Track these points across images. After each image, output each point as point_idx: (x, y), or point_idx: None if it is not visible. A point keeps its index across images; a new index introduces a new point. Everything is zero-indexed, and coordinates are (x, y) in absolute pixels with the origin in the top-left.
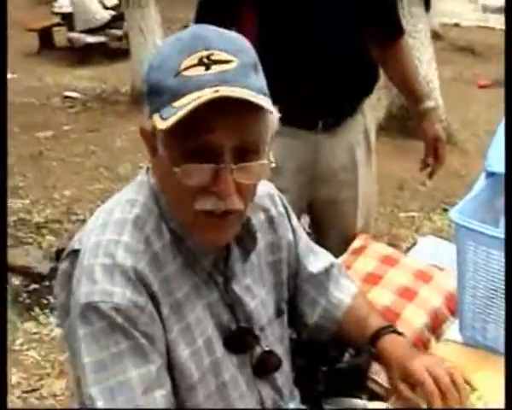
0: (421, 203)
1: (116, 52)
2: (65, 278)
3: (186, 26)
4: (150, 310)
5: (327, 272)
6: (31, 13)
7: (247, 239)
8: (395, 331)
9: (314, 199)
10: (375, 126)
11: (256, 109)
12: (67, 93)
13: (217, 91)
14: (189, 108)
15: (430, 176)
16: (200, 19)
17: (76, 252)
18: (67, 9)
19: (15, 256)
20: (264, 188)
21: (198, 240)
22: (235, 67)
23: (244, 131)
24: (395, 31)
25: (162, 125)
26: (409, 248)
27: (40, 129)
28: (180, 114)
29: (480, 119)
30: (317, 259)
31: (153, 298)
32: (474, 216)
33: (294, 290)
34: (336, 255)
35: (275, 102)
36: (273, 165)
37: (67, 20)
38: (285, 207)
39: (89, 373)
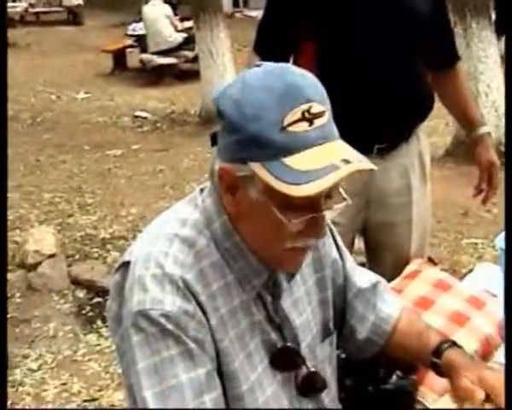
0: (485, 230)
1: (187, 74)
2: (117, 288)
3: None
4: (199, 317)
5: (374, 288)
6: (106, 36)
7: None
8: (457, 345)
9: (368, 222)
10: (429, 151)
11: None
12: (138, 113)
13: (346, 162)
14: (330, 181)
15: (484, 202)
16: (260, 47)
17: (127, 264)
18: (140, 32)
19: (81, 270)
20: None
21: (279, 269)
22: (328, 118)
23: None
24: (451, 57)
25: (292, 190)
26: (465, 275)
27: (110, 147)
28: (322, 186)
29: None
30: (362, 276)
31: (201, 307)
32: None
33: (343, 307)
34: (390, 279)
35: None
36: None
37: (140, 42)
38: (328, 226)
39: (142, 377)
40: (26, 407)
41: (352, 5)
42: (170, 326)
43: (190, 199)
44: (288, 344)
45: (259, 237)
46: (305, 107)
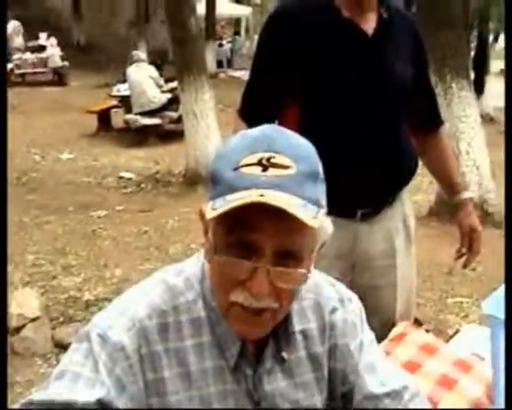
0: (469, 289)
1: (171, 134)
2: None
3: None
4: (134, 363)
5: (396, 395)
6: (90, 96)
7: (283, 338)
8: None
9: (353, 284)
10: (413, 213)
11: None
12: (122, 173)
13: (262, 196)
14: (232, 205)
15: (465, 266)
16: (245, 112)
17: None
18: (125, 93)
19: (65, 333)
20: (337, 291)
21: (231, 328)
22: (292, 174)
23: (287, 238)
24: (434, 121)
25: (210, 213)
26: (451, 336)
27: (94, 208)
28: (224, 209)
29: None
30: (384, 379)
31: (149, 356)
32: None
33: (351, 405)
34: (376, 341)
35: None
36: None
37: (124, 102)
38: (361, 318)
39: (51, 378)
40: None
41: (335, 70)
42: (97, 349)
43: (197, 255)
44: None
45: (213, 287)
46: (265, 155)
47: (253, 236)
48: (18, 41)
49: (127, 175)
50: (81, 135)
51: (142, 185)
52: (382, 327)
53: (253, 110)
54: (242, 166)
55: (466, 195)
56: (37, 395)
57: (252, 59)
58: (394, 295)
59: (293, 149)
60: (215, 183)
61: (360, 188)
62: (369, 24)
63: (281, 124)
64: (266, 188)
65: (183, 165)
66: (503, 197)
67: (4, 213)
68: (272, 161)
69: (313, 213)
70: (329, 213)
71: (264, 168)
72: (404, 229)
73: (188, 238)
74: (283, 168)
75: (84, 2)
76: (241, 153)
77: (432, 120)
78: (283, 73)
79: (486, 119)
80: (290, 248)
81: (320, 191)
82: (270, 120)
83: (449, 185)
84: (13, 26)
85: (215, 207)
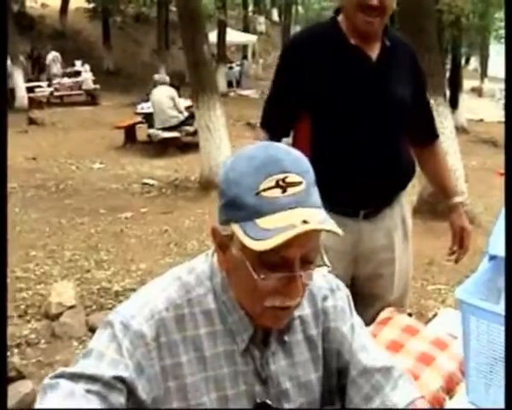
0: (447, 277)
1: (188, 145)
2: None
3: (249, 123)
4: (153, 349)
5: (386, 371)
6: (118, 114)
7: (286, 324)
8: None
9: (357, 275)
10: (411, 213)
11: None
12: (145, 180)
13: (305, 222)
14: (286, 237)
15: (456, 261)
16: (265, 123)
17: None
18: (148, 110)
19: (97, 320)
20: (328, 281)
21: (261, 325)
22: (304, 188)
23: (310, 245)
24: (430, 135)
25: (255, 245)
26: (430, 319)
27: (122, 211)
28: (278, 241)
29: (501, 203)
30: (375, 357)
31: (167, 344)
32: (477, 294)
33: (348, 383)
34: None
35: (324, 195)
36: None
37: (148, 119)
38: (348, 304)
39: (80, 356)
40: (27, 407)
41: (342, 90)
42: (120, 335)
43: (204, 255)
44: (268, 401)
45: (242, 294)
46: (280, 176)
47: (287, 251)
48: (56, 68)
49: (150, 182)
50: (110, 147)
51: (163, 190)
52: (380, 312)
53: (272, 122)
54: (263, 191)
55: (458, 199)
56: (68, 369)
57: (258, 80)
58: (392, 284)
59: (297, 165)
60: (234, 207)
61: (363, 191)
62: (374, 51)
63: (295, 134)
64: (291, 208)
65: (198, 172)
66: (474, 197)
67: (4, 214)
68: (287, 180)
69: (329, 219)
70: (335, 212)
71: (283, 189)
72: (403, 227)
73: (202, 236)
74: (297, 185)
75: (113, 34)
76: (256, 177)
77: (428, 135)
78: (297, 92)
79: (460, 130)
80: (310, 252)
81: (318, 193)
82: (286, 131)
83: (443, 190)
84: (52, 55)
85: (254, 237)
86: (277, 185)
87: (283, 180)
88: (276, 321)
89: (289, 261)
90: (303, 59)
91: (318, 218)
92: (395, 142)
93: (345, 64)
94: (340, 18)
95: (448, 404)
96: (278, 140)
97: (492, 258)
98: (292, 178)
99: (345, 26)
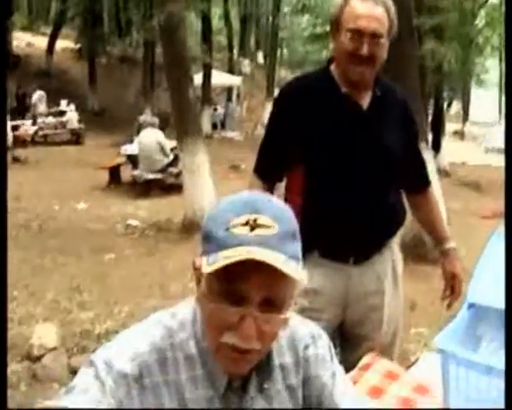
0: (429, 321)
1: (172, 187)
2: None
3: (233, 166)
4: (133, 388)
5: None
6: (103, 154)
7: (265, 371)
8: None
9: (346, 319)
10: (401, 260)
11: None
12: (129, 221)
13: (249, 252)
14: (225, 262)
15: (448, 306)
16: (259, 169)
17: None
18: (132, 152)
19: (79, 362)
20: (309, 329)
21: (220, 365)
22: (275, 233)
23: (271, 288)
24: (422, 183)
25: (206, 268)
26: (412, 364)
27: (105, 252)
28: (218, 265)
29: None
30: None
31: (153, 385)
32: (456, 341)
33: None
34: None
35: (315, 241)
36: (305, 286)
37: (132, 160)
38: (330, 351)
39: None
40: (27, 408)
41: (333, 138)
42: (103, 374)
43: (188, 301)
44: None
45: (205, 328)
46: (251, 216)
47: (243, 286)
48: (42, 108)
49: (134, 223)
50: (94, 187)
51: (147, 232)
52: (369, 352)
53: (265, 168)
54: (233, 227)
55: (450, 245)
56: (50, 403)
57: (242, 122)
58: (380, 328)
59: (273, 211)
60: (208, 241)
61: (353, 237)
62: (365, 100)
63: (288, 180)
64: (253, 245)
65: (181, 215)
66: (457, 241)
67: (4, 216)
68: (258, 222)
69: (294, 267)
70: (326, 257)
71: (252, 228)
72: (392, 273)
73: (185, 279)
74: (267, 228)
75: (99, 74)
76: (230, 215)
77: (420, 182)
78: (289, 139)
79: (443, 173)
80: (274, 297)
81: (298, 248)
82: (279, 177)
83: (435, 236)
84: (38, 95)
85: (210, 263)
86: (247, 224)
87: (254, 221)
88: (232, 364)
89: (245, 299)
90: (295, 107)
91: (278, 259)
92: (385, 189)
93: (336, 112)
94: (333, 67)
95: None
96: (271, 186)
97: (471, 306)
98: (263, 220)
99: (337, 75)
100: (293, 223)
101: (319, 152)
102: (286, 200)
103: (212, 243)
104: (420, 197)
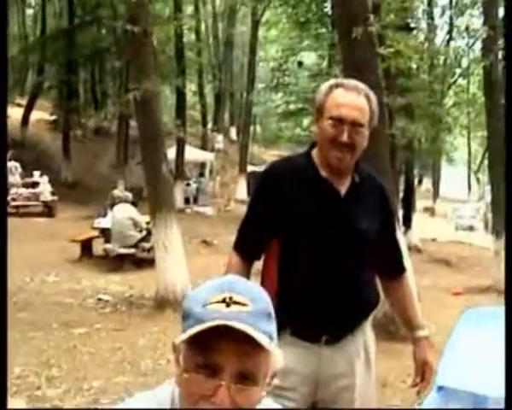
0: (401, 399)
1: (144, 261)
2: None
3: (205, 241)
4: None
5: None
6: (75, 226)
7: None
8: None
9: (318, 399)
10: (374, 341)
11: (258, 347)
12: (101, 296)
13: (228, 326)
14: (199, 328)
15: (418, 393)
16: (238, 243)
17: None
18: (105, 225)
19: None
20: None
21: None
22: (249, 310)
23: (245, 361)
24: (396, 269)
25: (181, 337)
26: None
27: (76, 326)
28: (191, 332)
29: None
30: None
31: None
32: None
33: None
34: None
35: (288, 319)
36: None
37: (104, 233)
38: None
39: None
40: (26, 407)
41: (310, 221)
42: None
43: (170, 381)
44: None
45: (182, 400)
46: (227, 294)
47: (217, 358)
48: (15, 178)
49: (105, 297)
50: (66, 260)
51: (118, 306)
52: None
53: (245, 245)
54: (210, 304)
55: (422, 333)
56: None
57: (215, 197)
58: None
59: (249, 291)
60: (186, 318)
61: (325, 318)
62: (344, 185)
63: (265, 258)
64: (228, 320)
65: (153, 289)
66: (427, 317)
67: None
68: (233, 299)
69: (267, 341)
70: (298, 336)
71: (228, 305)
72: (365, 354)
73: (156, 354)
74: (242, 305)
75: (73, 146)
76: (208, 293)
77: (395, 268)
78: (269, 220)
79: (414, 249)
80: (248, 370)
81: (272, 328)
82: (258, 255)
83: (408, 324)
84: (10, 165)
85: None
86: (223, 301)
87: (230, 298)
88: None
89: (219, 370)
90: (276, 189)
91: (249, 330)
92: (359, 273)
93: (314, 196)
94: (314, 151)
95: None
96: (250, 263)
97: (440, 388)
98: (239, 298)
99: (318, 160)
100: (268, 304)
101: (296, 233)
102: (262, 276)
103: (189, 319)
104: (394, 283)
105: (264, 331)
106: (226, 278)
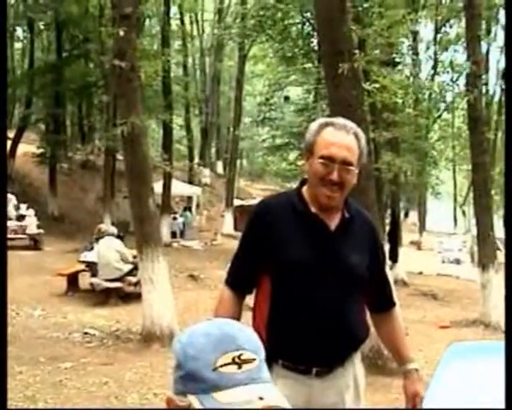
0: None
1: (130, 296)
2: None
3: (191, 275)
4: None
5: None
6: (61, 260)
7: None
8: None
9: None
10: (364, 375)
11: None
12: (87, 330)
13: (261, 398)
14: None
15: None
16: (229, 278)
17: None
18: (91, 259)
19: None
20: None
21: None
22: (257, 364)
23: None
24: (386, 304)
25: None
26: None
27: (62, 360)
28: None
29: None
30: None
31: None
32: None
33: None
34: None
35: (279, 351)
36: None
37: (91, 267)
38: None
39: None
40: (26, 407)
41: (299, 257)
42: None
43: None
44: None
45: None
46: (236, 353)
47: None
48: (8, 210)
49: (91, 331)
50: (52, 294)
51: (105, 341)
52: None
53: (237, 280)
54: (220, 367)
55: (412, 366)
56: None
57: (201, 231)
58: None
59: (251, 343)
60: (193, 380)
61: (316, 350)
62: (333, 221)
63: (257, 292)
64: (245, 384)
65: (140, 324)
66: (414, 350)
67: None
68: (242, 357)
69: (280, 394)
70: (288, 368)
71: (239, 366)
72: (354, 386)
73: (143, 389)
74: (251, 362)
75: (59, 180)
76: (214, 354)
77: (385, 303)
78: (259, 253)
79: (400, 283)
80: None
81: (267, 368)
82: (249, 289)
83: (398, 356)
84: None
85: (208, 407)
86: (233, 362)
87: (239, 357)
88: None
89: None
90: (267, 225)
91: (271, 393)
92: (349, 307)
93: (304, 232)
94: (305, 188)
95: None
96: (242, 298)
97: None
98: (247, 355)
99: (308, 196)
100: (262, 347)
101: (286, 267)
102: (254, 310)
103: (199, 383)
104: (384, 317)
105: (269, 380)
106: (223, 332)
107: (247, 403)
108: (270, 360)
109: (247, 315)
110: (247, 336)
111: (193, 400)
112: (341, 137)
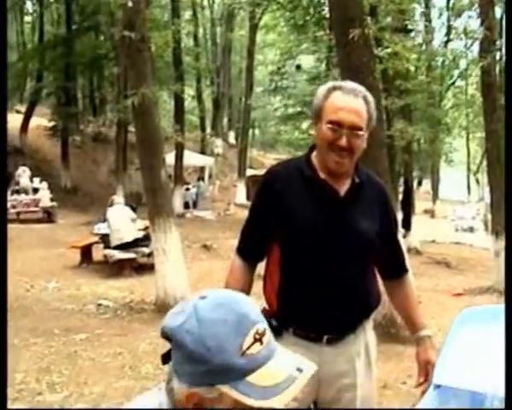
0: (401, 400)
1: (144, 267)
2: None
3: (205, 245)
4: None
5: None
6: (75, 232)
7: None
8: None
9: (319, 398)
10: (375, 342)
11: None
12: (101, 301)
13: (299, 369)
14: (299, 387)
15: (422, 393)
16: (240, 247)
17: None
18: (104, 231)
19: None
20: None
21: None
22: (269, 333)
23: None
24: (398, 270)
25: (268, 403)
26: None
27: (76, 331)
28: (291, 394)
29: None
30: None
31: None
32: None
33: None
34: None
35: (290, 319)
36: None
37: (104, 239)
38: None
39: None
40: (26, 407)
41: (309, 223)
42: None
43: (159, 386)
44: None
45: None
46: (254, 330)
47: None
48: (24, 181)
49: (105, 303)
50: (66, 267)
51: (118, 312)
52: None
53: (247, 249)
54: (247, 349)
55: (424, 332)
56: None
57: (214, 202)
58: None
59: (256, 311)
60: (225, 371)
61: (327, 317)
62: (343, 187)
63: (268, 260)
64: (270, 356)
65: (153, 294)
66: (427, 318)
67: (4, 220)
68: (259, 332)
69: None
70: (299, 336)
71: (260, 342)
72: (366, 354)
73: (157, 359)
74: (266, 334)
75: (72, 153)
76: (237, 339)
77: (397, 270)
78: (268, 221)
79: (413, 251)
80: None
81: None
82: (260, 257)
83: (410, 323)
84: (21, 169)
85: (259, 396)
86: (255, 340)
87: (257, 332)
88: None
89: None
90: (275, 192)
91: (302, 360)
92: (360, 273)
93: (314, 198)
94: (314, 154)
95: None
96: (253, 266)
97: (437, 387)
98: (261, 327)
99: (317, 162)
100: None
101: (296, 234)
102: (265, 278)
103: (232, 372)
104: (396, 283)
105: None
106: (237, 312)
107: (291, 380)
108: (281, 328)
109: (259, 284)
110: (251, 306)
111: (226, 389)
112: (350, 102)
